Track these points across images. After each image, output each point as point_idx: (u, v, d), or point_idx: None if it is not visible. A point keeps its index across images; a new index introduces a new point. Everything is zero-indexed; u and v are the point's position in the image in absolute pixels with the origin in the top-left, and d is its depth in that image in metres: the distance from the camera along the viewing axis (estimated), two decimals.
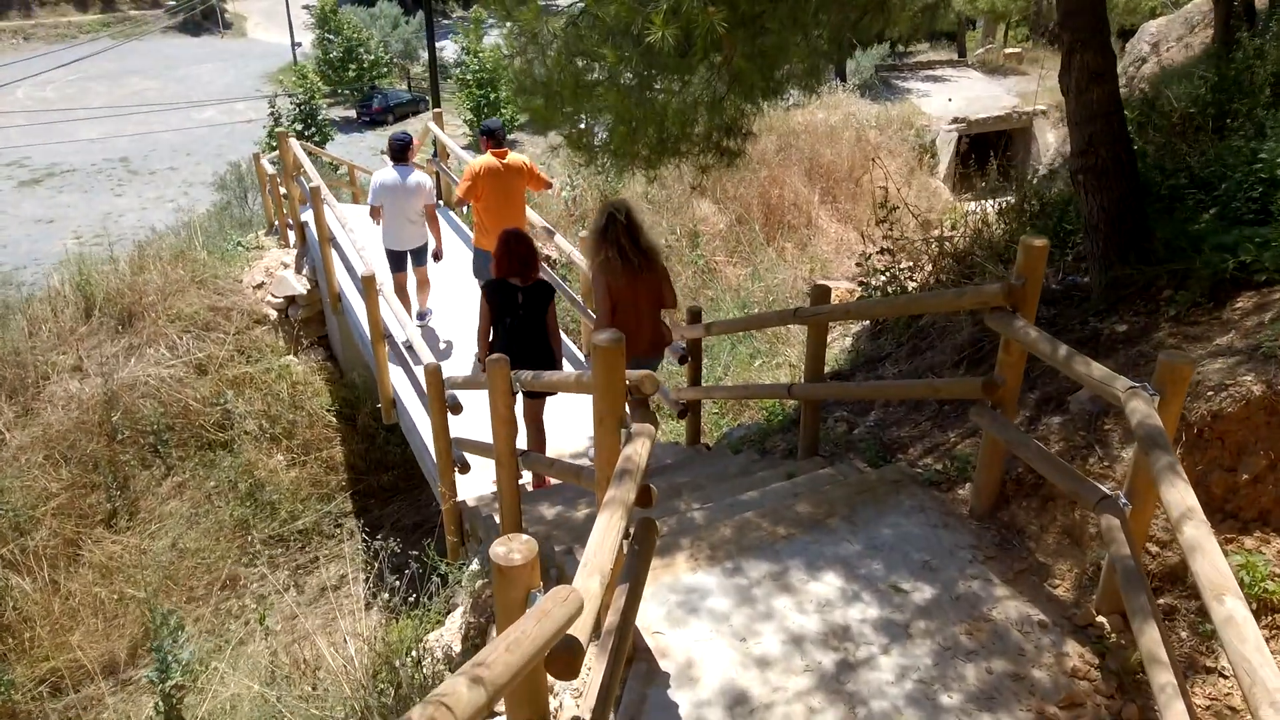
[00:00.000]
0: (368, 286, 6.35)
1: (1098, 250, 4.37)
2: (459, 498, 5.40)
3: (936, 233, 7.26)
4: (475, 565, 5.08)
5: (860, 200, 16.33)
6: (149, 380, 8.54)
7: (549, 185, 7.43)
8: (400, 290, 7.49)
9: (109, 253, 10.04)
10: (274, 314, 9.50)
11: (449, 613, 5.06)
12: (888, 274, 6.60)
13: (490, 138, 6.98)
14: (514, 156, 6.95)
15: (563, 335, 6.17)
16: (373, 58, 38.93)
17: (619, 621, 2.60)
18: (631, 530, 2.88)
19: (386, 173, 7.19)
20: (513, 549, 1.86)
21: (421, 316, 7.91)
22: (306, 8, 44.54)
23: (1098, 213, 4.29)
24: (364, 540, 8.78)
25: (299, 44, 43.23)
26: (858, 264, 7.05)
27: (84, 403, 8.20)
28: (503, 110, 30.79)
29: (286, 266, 9.74)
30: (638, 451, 2.58)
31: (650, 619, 3.18)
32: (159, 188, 32.57)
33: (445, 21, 55.05)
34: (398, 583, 4.88)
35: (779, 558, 3.51)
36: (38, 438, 7.93)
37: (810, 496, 3.90)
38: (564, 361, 5.64)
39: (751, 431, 6.21)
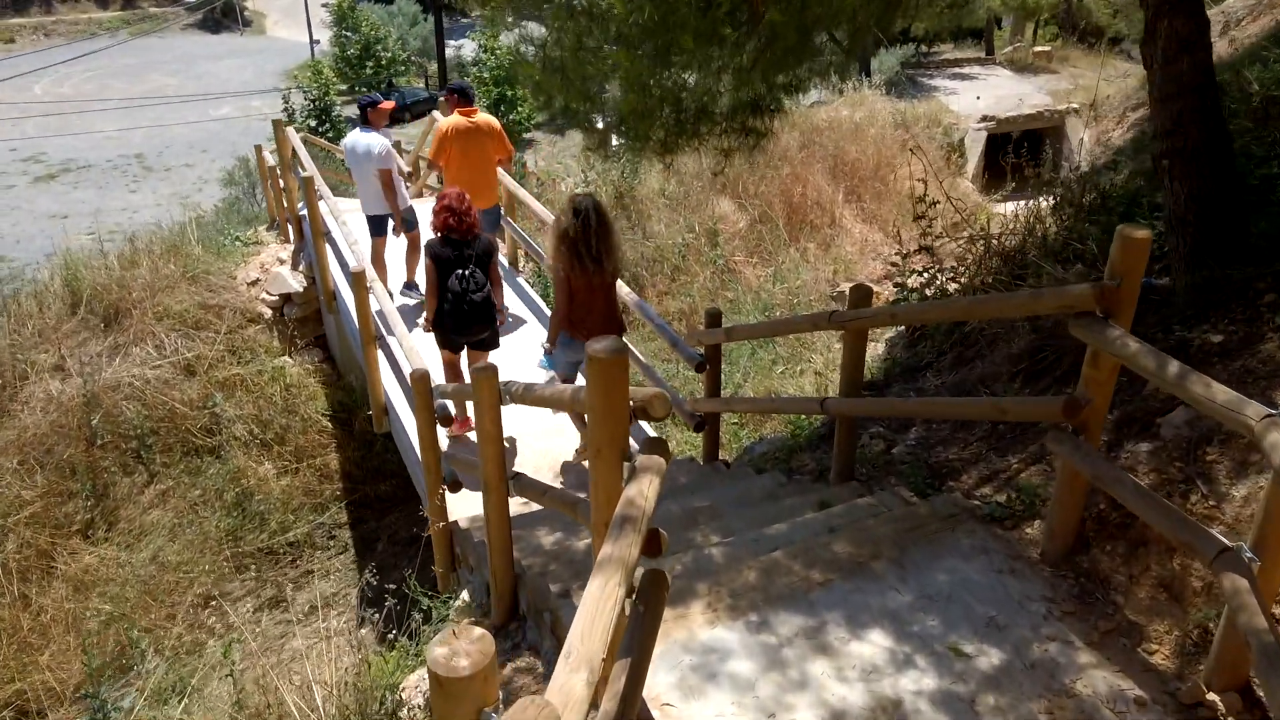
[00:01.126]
0: (357, 283, 5.82)
1: (1184, 246, 3.76)
2: (451, 518, 4.85)
3: (980, 229, 6.67)
4: (465, 597, 4.54)
5: (886, 200, 15.70)
6: (133, 381, 8.05)
7: (510, 154, 7.35)
8: (376, 258, 7.27)
9: (100, 247, 9.57)
10: (269, 313, 9.00)
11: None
12: (926, 275, 6.02)
13: (458, 95, 6.87)
14: (483, 116, 6.85)
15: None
16: (390, 55, 38.64)
17: (619, 709, 2.03)
18: (636, 586, 2.32)
19: (351, 136, 7.19)
20: (457, 653, 1.30)
21: (410, 287, 7.57)
22: (325, 5, 44.31)
23: (1185, 203, 3.69)
24: (356, 558, 8.33)
25: (317, 41, 43.04)
26: (892, 264, 6.46)
27: (63, 404, 7.72)
28: (520, 107, 30.36)
29: (283, 263, 9.25)
30: (643, 493, 2.01)
31: (659, 688, 2.62)
32: (174, 184, 32.31)
33: (464, 20, 54.76)
34: (377, 616, 4.34)
35: (814, 610, 2.93)
36: (11, 441, 7.45)
37: (850, 533, 3.32)
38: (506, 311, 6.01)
39: (775, 447, 5.63)
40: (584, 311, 4.90)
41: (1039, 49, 28.53)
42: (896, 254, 6.28)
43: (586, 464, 6.28)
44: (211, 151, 35.02)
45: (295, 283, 8.89)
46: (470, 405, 5.27)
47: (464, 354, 5.64)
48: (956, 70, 25.98)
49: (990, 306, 3.01)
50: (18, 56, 45.09)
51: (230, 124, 36.62)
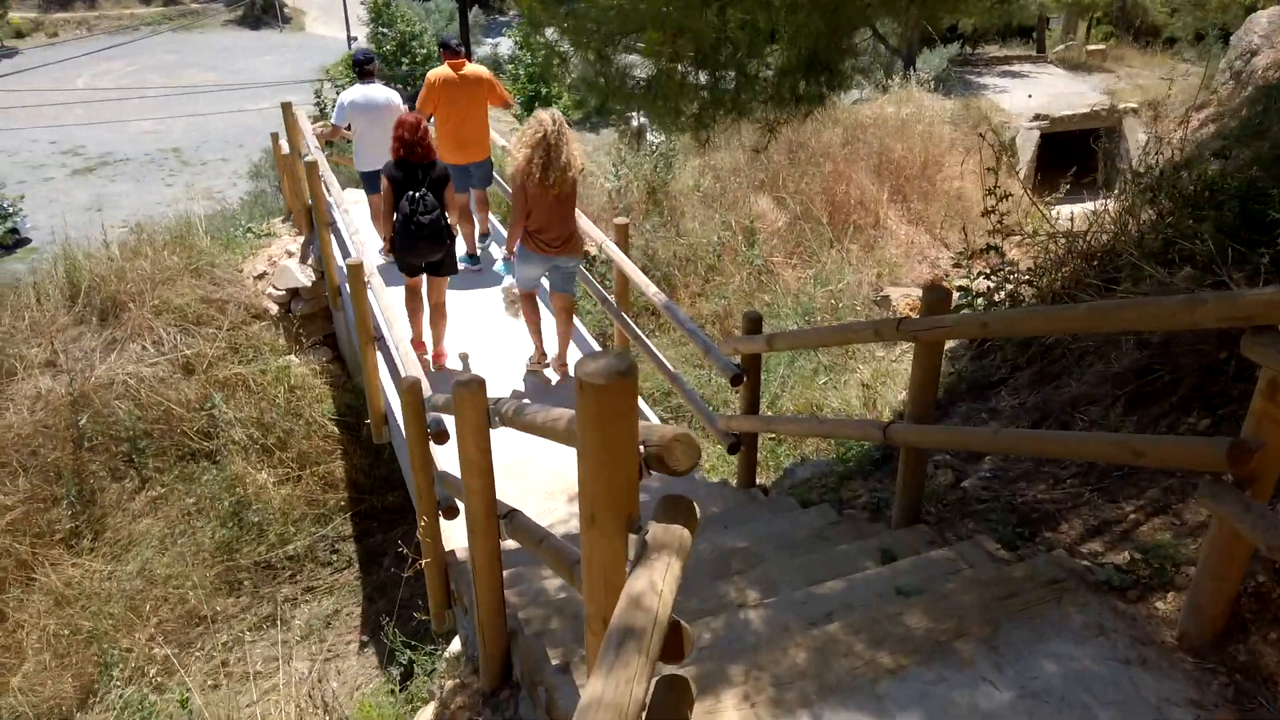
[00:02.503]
0: (354, 277, 5.21)
1: None
2: (448, 547, 4.22)
3: (1051, 228, 5.90)
4: (457, 646, 3.89)
5: (933, 200, 14.93)
6: (127, 379, 7.53)
7: (508, 104, 7.40)
8: (377, 215, 7.06)
9: (103, 236, 9.08)
10: (275, 308, 8.45)
11: (421, 706, 3.88)
12: (997, 278, 5.28)
13: (445, 49, 7.00)
14: (472, 67, 6.96)
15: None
16: (425, 51, 38.35)
17: None
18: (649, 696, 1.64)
19: (354, 91, 7.26)
20: None
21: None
22: (363, 2, 44.16)
23: None
24: (360, 574, 7.74)
25: (354, 38, 42.95)
26: (955, 264, 5.73)
27: (50, 403, 7.21)
28: (555, 104, 29.90)
29: (291, 256, 8.69)
30: (655, 587, 1.35)
31: None
32: (209, 178, 32.22)
33: (502, 18, 54.41)
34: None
35: (884, 708, 2.24)
36: None
37: (925, 599, 2.63)
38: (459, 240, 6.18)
39: (822, 471, 4.92)
40: (543, 223, 5.20)
41: (1093, 47, 27.44)
42: (960, 253, 5.54)
43: (552, 376, 5.99)
44: (247, 146, 34.89)
45: (303, 277, 8.33)
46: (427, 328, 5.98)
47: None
48: (1007, 68, 25.02)
49: (1121, 315, 2.32)
50: (59, 47, 45.52)
51: (266, 119, 36.49)
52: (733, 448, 4.60)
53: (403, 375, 4.10)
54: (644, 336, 5.78)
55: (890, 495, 3.83)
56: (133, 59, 46.08)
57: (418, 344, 6.03)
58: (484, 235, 7.86)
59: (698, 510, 1.57)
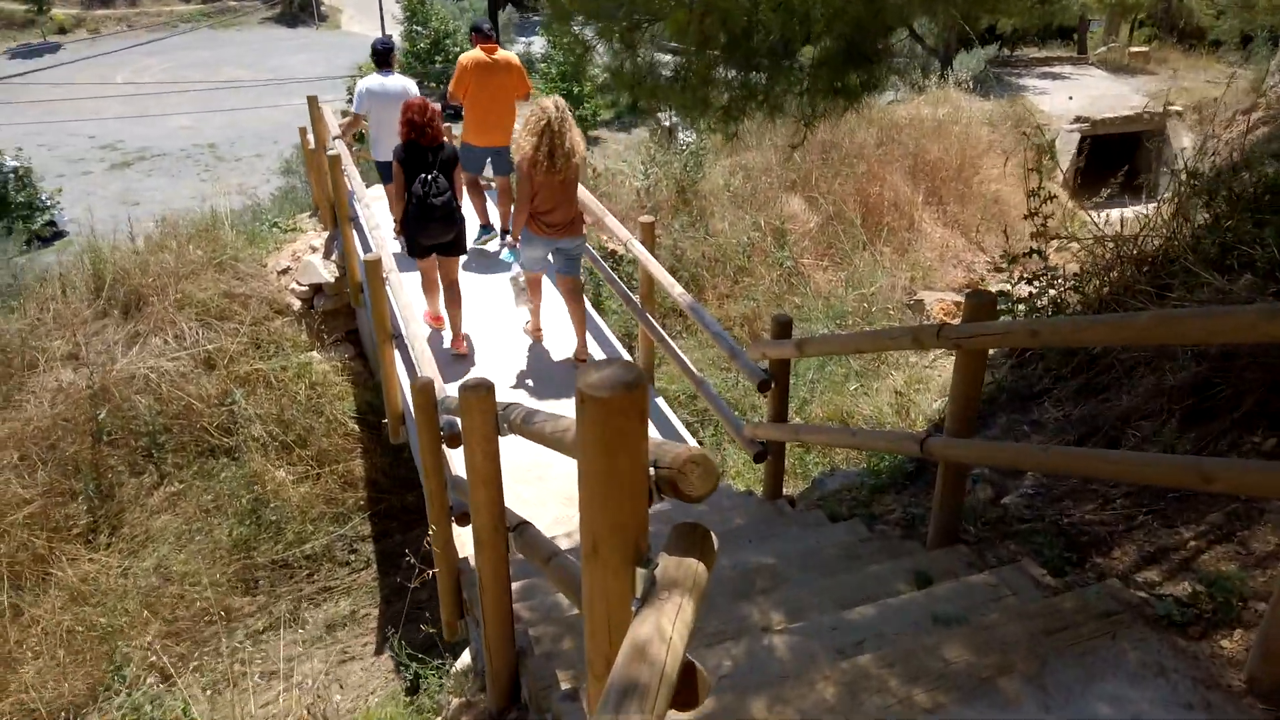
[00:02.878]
0: (372, 274, 5.08)
1: None
2: (461, 554, 4.06)
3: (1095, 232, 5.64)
4: (466, 659, 3.73)
5: (969, 203, 14.61)
6: (148, 374, 7.47)
7: (527, 93, 7.46)
8: (392, 204, 7.23)
9: (129, 229, 9.05)
10: (298, 304, 8.36)
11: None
12: (1040, 283, 5.04)
13: (477, 33, 7.17)
14: (502, 53, 7.10)
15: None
16: (459, 49, 38.41)
17: None
18: None
19: (371, 79, 7.41)
20: None
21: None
22: (398, 0, 44.45)
23: None
24: (378, 574, 7.62)
25: (389, 36, 43.24)
26: (995, 268, 5.49)
27: (70, 396, 7.16)
28: (586, 104, 29.78)
29: (315, 251, 8.60)
30: (664, 633, 1.16)
31: None
32: (243, 173, 32.49)
33: (536, 18, 54.48)
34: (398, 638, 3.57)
35: None
36: (13, 435, 6.91)
37: (966, 630, 2.42)
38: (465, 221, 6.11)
39: (853, 483, 4.71)
40: (548, 206, 5.38)
41: (1135, 49, 26.83)
42: (1001, 255, 5.30)
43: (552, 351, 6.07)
44: (281, 143, 35.17)
45: (326, 272, 8.23)
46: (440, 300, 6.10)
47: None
48: (1046, 70, 24.53)
49: (1189, 326, 2.08)
50: (100, 43, 46.20)
51: (300, 115, 36.71)
52: (759, 456, 4.41)
53: (418, 374, 3.95)
54: (668, 338, 5.60)
55: (925, 511, 3.62)
56: (171, 55, 46.68)
57: (435, 319, 6.30)
58: (505, 231, 7.76)
59: (715, 540, 1.38)
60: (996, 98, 19.93)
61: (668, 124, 19.91)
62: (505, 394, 5.58)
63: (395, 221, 5.90)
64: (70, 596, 6.53)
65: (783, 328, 4.21)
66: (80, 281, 8.32)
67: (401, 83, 7.37)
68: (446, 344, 6.19)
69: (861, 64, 3.07)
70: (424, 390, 3.62)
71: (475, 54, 6.97)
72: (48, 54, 36.66)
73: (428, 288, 6.11)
